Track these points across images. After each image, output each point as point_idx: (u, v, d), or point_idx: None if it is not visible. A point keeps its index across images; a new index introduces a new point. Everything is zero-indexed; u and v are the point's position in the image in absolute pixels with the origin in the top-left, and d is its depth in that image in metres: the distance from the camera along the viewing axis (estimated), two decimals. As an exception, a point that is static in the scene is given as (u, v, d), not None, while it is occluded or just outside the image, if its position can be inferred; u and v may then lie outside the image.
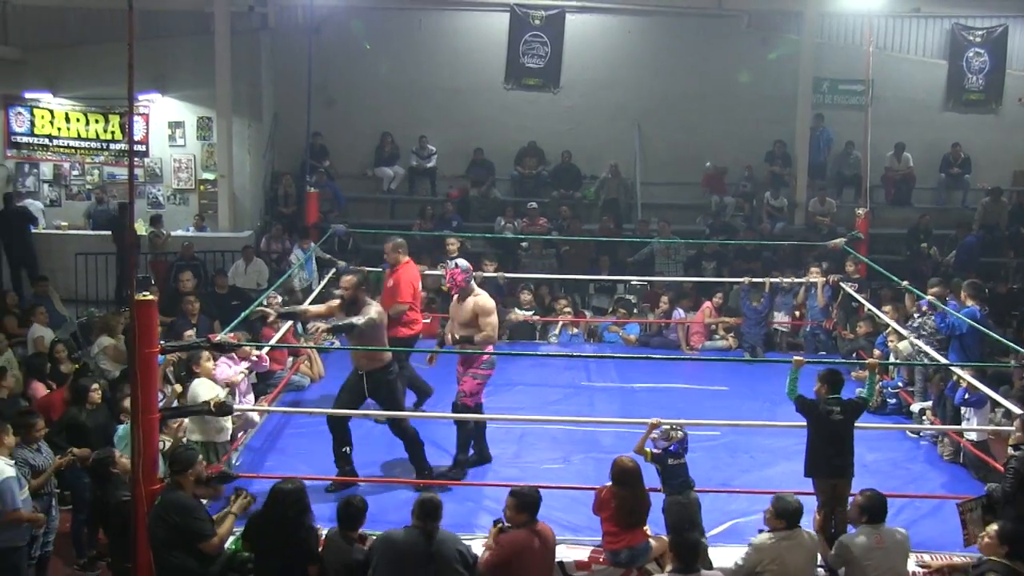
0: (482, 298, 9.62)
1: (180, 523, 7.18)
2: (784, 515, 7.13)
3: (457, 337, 9.58)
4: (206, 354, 9.29)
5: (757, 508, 8.51)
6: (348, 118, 19.41)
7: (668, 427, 7.94)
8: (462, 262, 9.88)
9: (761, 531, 7.44)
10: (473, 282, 9.79)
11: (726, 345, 14.56)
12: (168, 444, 8.77)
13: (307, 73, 15.71)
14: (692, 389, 12.36)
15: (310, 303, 11.73)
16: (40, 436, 8.73)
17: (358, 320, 9.11)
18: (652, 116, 19.55)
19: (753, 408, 11.22)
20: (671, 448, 7.87)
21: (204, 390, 8.94)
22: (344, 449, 9.30)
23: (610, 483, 7.59)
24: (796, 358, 8.34)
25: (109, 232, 17.19)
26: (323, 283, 13.83)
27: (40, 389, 10.96)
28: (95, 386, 9.80)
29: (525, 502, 7.18)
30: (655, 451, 7.90)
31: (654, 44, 19.50)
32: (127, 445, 8.06)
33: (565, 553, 7.79)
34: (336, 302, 9.70)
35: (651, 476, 7.83)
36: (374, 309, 9.35)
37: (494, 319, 9.62)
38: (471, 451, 9.69)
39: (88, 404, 9.61)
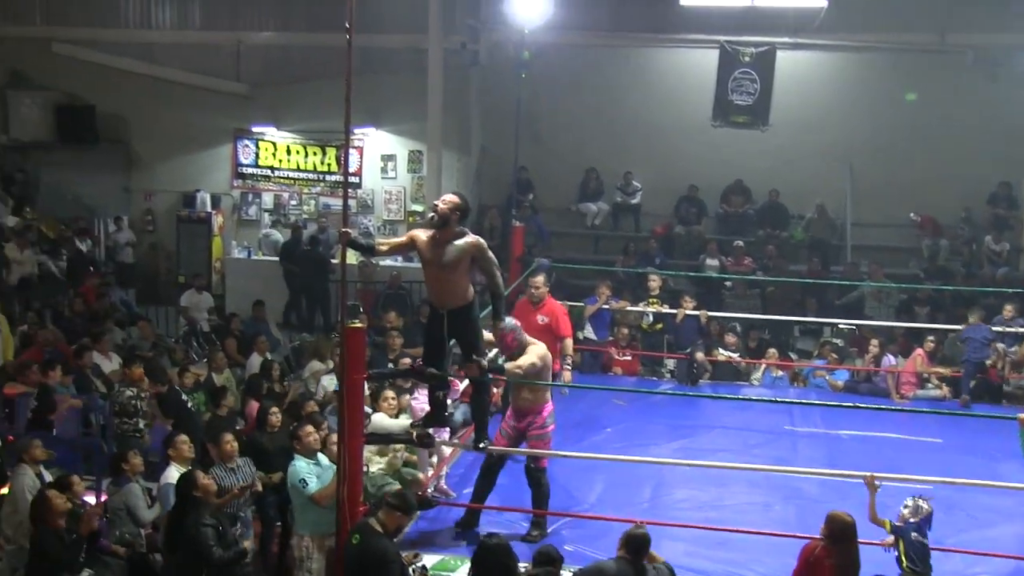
0: (536, 347, 9.01)
1: (375, 573, 7.04)
2: None
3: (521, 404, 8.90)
4: (390, 393, 9.38)
5: (974, 571, 8.08)
6: (554, 152, 19.56)
7: (917, 500, 7.49)
8: (509, 321, 9.04)
9: None
10: (525, 335, 9.09)
11: (940, 395, 13.86)
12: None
13: (515, 108, 15.95)
14: (903, 440, 11.81)
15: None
16: (232, 452, 8.94)
17: (523, 362, 8.72)
18: (865, 155, 18.91)
19: (970, 463, 10.57)
20: (920, 523, 7.45)
21: (386, 424, 9.07)
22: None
23: (823, 540, 7.13)
24: (1021, 416, 7.81)
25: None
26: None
27: (256, 408, 11.36)
28: (274, 409, 10.11)
29: None
30: (897, 523, 7.47)
31: (869, 81, 18.85)
32: (303, 481, 8.15)
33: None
34: (419, 231, 8.30)
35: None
36: (536, 354, 8.76)
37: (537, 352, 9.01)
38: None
39: (268, 428, 9.92)
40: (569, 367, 10.61)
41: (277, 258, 18.78)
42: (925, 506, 7.49)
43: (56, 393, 11.52)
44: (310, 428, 8.55)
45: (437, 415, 8.65)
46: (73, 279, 17.30)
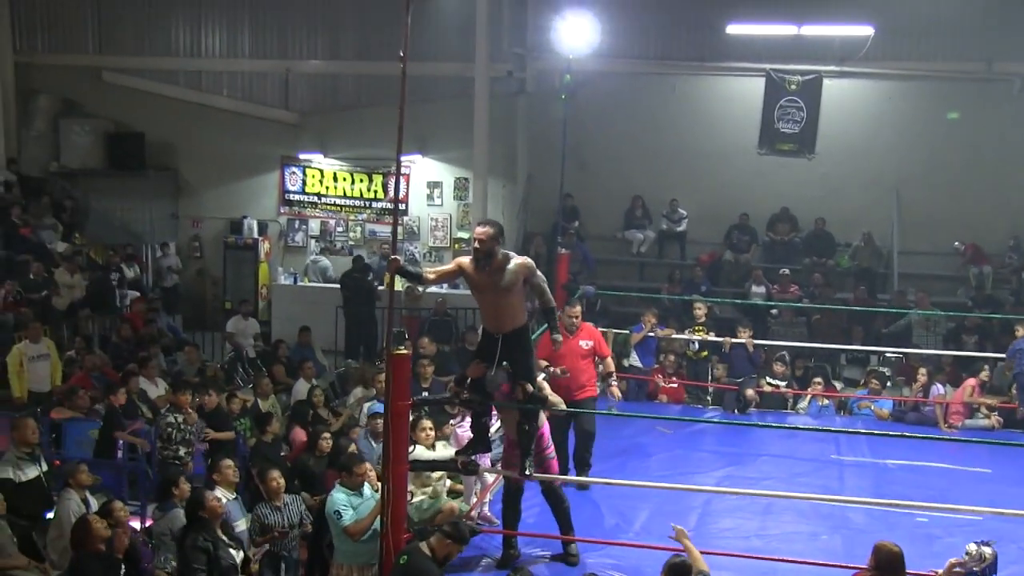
0: None
1: None
2: None
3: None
4: (428, 423, 9.43)
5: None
6: (599, 180, 19.63)
7: (981, 547, 7.34)
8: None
9: None
10: None
11: (989, 424, 13.67)
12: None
13: (561, 136, 16.04)
14: (951, 470, 11.65)
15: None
16: (278, 489, 8.97)
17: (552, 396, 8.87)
18: (912, 183, 18.83)
19: (1021, 494, 10.43)
20: (984, 571, 7.21)
21: (428, 457, 9.12)
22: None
23: (870, 571, 7.03)
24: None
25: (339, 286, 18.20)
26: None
27: (301, 435, 11.44)
28: (326, 434, 10.16)
29: None
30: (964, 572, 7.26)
31: (916, 110, 18.81)
32: (337, 512, 8.17)
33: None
34: (465, 259, 8.26)
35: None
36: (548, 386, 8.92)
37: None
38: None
39: (317, 452, 9.95)
40: (615, 383, 10.73)
41: (323, 284, 19.01)
42: (988, 552, 7.32)
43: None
44: (367, 467, 8.60)
45: (481, 441, 8.71)
46: (98, 305, 17.33)
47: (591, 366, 10.71)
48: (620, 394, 11.17)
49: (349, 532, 8.09)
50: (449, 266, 8.51)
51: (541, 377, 9.26)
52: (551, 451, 8.92)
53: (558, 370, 10.14)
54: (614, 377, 10.93)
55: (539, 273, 8.25)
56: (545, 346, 10.33)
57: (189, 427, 10.98)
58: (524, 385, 8.22)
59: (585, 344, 10.68)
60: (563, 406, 9.43)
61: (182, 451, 10.87)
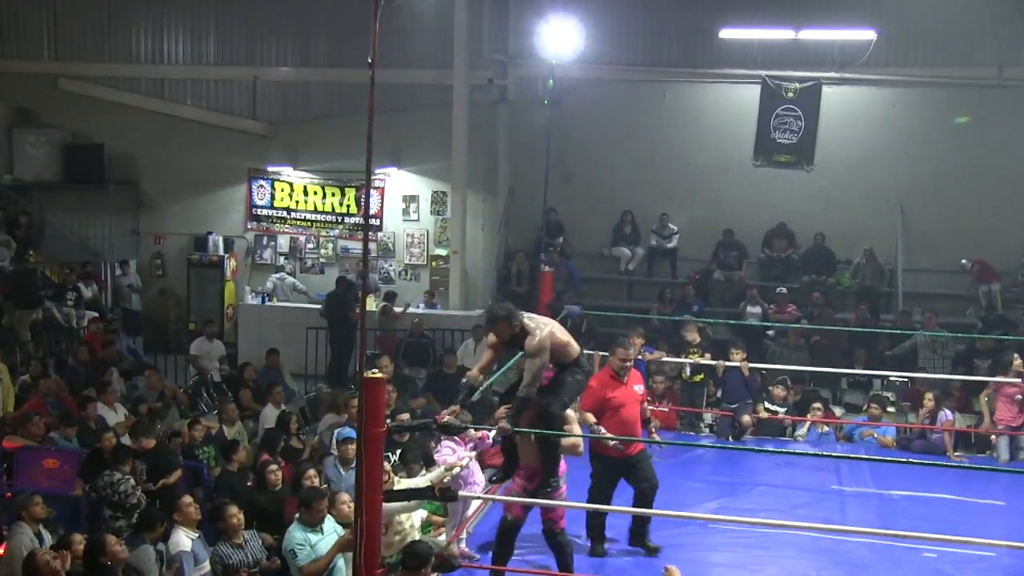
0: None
1: None
2: None
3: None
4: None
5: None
6: (585, 193, 19.60)
7: None
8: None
9: None
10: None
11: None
12: None
13: (545, 147, 15.97)
14: (960, 501, 11.60)
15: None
16: (237, 526, 8.82)
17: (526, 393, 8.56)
18: (917, 196, 18.83)
19: (1035, 527, 10.44)
20: None
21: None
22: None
23: None
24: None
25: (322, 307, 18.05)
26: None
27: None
28: (273, 467, 10.04)
29: None
30: None
31: (921, 118, 18.81)
32: (292, 551, 8.11)
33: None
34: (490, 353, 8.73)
35: None
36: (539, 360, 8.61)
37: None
38: None
39: (268, 486, 9.84)
40: (655, 427, 10.68)
41: (293, 304, 18.91)
42: None
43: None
44: (327, 502, 8.54)
45: (512, 462, 8.79)
46: (19, 298, 16.99)
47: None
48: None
49: (304, 573, 8.01)
50: (486, 353, 8.78)
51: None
52: (560, 492, 8.85)
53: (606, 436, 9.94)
54: (652, 422, 10.71)
55: (539, 361, 8.28)
56: (593, 397, 10.01)
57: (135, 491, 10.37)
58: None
59: (639, 389, 10.35)
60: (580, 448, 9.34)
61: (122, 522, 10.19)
